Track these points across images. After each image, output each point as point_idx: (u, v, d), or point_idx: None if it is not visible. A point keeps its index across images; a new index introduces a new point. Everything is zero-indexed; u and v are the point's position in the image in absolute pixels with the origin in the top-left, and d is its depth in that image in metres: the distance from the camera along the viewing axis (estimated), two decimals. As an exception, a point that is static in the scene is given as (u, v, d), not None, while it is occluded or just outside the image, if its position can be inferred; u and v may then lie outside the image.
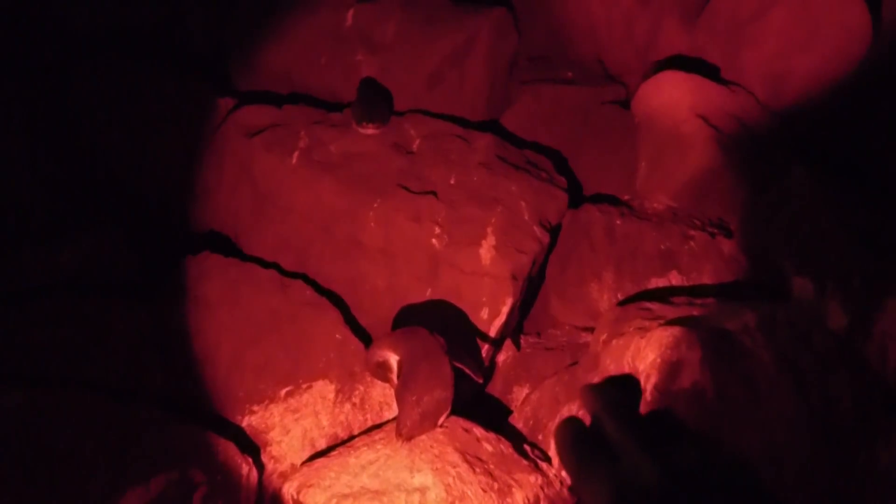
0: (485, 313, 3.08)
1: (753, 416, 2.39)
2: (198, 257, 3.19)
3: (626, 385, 0.99)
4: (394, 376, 2.73)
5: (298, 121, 3.50)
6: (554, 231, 3.34)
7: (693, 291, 3.03)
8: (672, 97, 3.50)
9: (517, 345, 3.29)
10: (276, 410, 2.83)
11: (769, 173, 3.26)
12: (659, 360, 2.44)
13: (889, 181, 3.17)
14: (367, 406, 2.89)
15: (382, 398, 2.89)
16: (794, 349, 2.56)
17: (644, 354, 2.50)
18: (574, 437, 0.86)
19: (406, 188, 3.26)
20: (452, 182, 3.31)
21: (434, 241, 3.14)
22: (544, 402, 2.93)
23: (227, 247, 3.40)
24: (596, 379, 2.71)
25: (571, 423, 0.88)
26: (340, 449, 2.62)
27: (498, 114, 3.86)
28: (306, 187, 3.30)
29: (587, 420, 0.89)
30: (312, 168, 3.32)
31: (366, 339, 3.03)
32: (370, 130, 3.44)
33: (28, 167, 3.45)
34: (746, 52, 3.60)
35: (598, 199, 3.56)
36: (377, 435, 2.64)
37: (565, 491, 2.63)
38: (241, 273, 3.15)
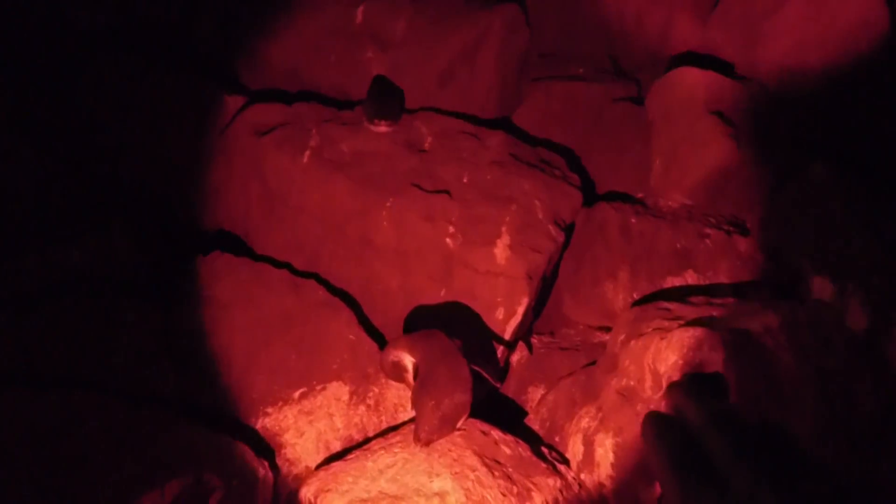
0: (500, 313, 3.05)
1: (777, 417, 2.35)
2: (208, 257, 3.16)
3: (716, 387, 0.92)
4: (409, 376, 2.71)
5: (309, 119, 3.47)
6: (568, 230, 3.31)
7: (711, 291, 2.99)
8: (687, 93, 3.45)
9: (529, 346, 3.25)
10: (290, 412, 2.80)
11: (786, 170, 3.22)
12: (681, 361, 2.41)
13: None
14: (381, 408, 2.86)
15: (397, 400, 2.87)
16: (817, 351, 2.53)
17: (665, 356, 2.46)
18: (674, 448, 0.79)
19: (419, 187, 3.23)
20: (465, 181, 3.27)
21: (448, 240, 3.11)
22: (560, 403, 2.90)
23: (237, 246, 3.37)
24: (614, 381, 2.69)
25: (667, 427, 0.81)
26: (357, 452, 2.59)
27: (510, 111, 3.82)
28: (318, 186, 3.27)
29: (675, 422, 0.81)
30: (324, 167, 3.29)
31: (379, 339, 3.01)
32: (382, 128, 3.40)
33: (36, 167, 3.41)
34: (761, 48, 3.55)
35: (612, 197, 3.52)
36: (394, 438, 2.61)
37: (583, 493, 2.60)
38: (253, 273, 3.13)
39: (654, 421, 0.82)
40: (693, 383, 0.90)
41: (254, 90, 3.77)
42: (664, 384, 2.42)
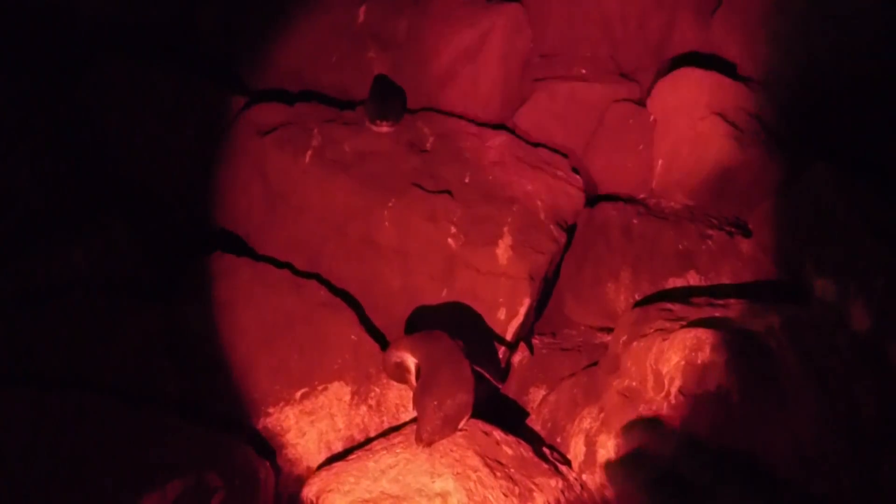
0: (502, 314, 3.05)
1: (779, 418, 2.35)
2: (210, 257, 3.16)
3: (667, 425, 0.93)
4: (411, 376, 2.70)
5: (311, 119, 3.46)
6: (570, 230, 3.31)
7: (713, 292, 2.99)
8: (689, 94, 3.46)
9: (530, 347, 3.25)
10: (291, 413, 2.80)
11: (789, 171, 3.21)
12: (683, 362, 2.40)
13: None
14: (383, 408, 2.85)
15: (399, 400, 2.86)
16: (819, 352, 2.52)
17: (667, 357, 2.46)
18: (653, 479, 0.80)
19: (421, 187, 3.22)
20: (467, 181, 3.27)
21: (450, 240, 3.10)
22: (562, 404, 2.89)
23: (239, 246, 3.36)
24: (616, 382, 2.68)
25: (637, 464, 0.81)
26: (359, 452, 2.59)
27: (511, 111, 3.81)
28: (320, 186, 3.26)
29: (645, 460, 0.82)
30: (326, 167, 3.29)
31: (381, 339, 3.00)
32: (384, 129, 3.40)
33: (37, 167, 3.40)
34: (763, 48, 3.54)
35: (614, 197, 3.52)
36: (395, 438, 2.61)
37: (585, 494, 2.59)
38: (255, 273, 3.12)
39: (618, 464, 0.83)
40: (654, 423, 0.91)
41: (256, 90, 3.77)
42: (666, 385, 2.41)
